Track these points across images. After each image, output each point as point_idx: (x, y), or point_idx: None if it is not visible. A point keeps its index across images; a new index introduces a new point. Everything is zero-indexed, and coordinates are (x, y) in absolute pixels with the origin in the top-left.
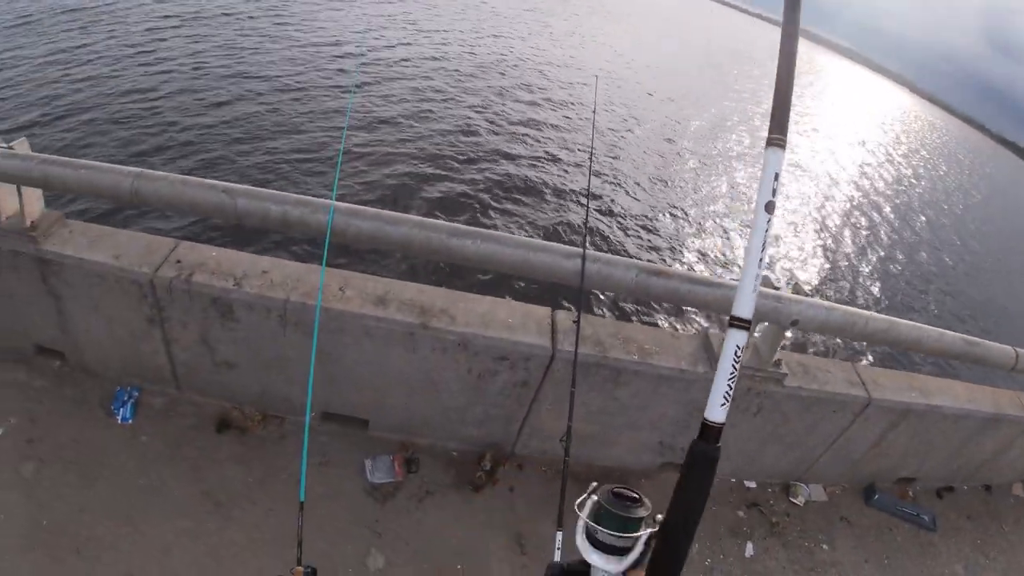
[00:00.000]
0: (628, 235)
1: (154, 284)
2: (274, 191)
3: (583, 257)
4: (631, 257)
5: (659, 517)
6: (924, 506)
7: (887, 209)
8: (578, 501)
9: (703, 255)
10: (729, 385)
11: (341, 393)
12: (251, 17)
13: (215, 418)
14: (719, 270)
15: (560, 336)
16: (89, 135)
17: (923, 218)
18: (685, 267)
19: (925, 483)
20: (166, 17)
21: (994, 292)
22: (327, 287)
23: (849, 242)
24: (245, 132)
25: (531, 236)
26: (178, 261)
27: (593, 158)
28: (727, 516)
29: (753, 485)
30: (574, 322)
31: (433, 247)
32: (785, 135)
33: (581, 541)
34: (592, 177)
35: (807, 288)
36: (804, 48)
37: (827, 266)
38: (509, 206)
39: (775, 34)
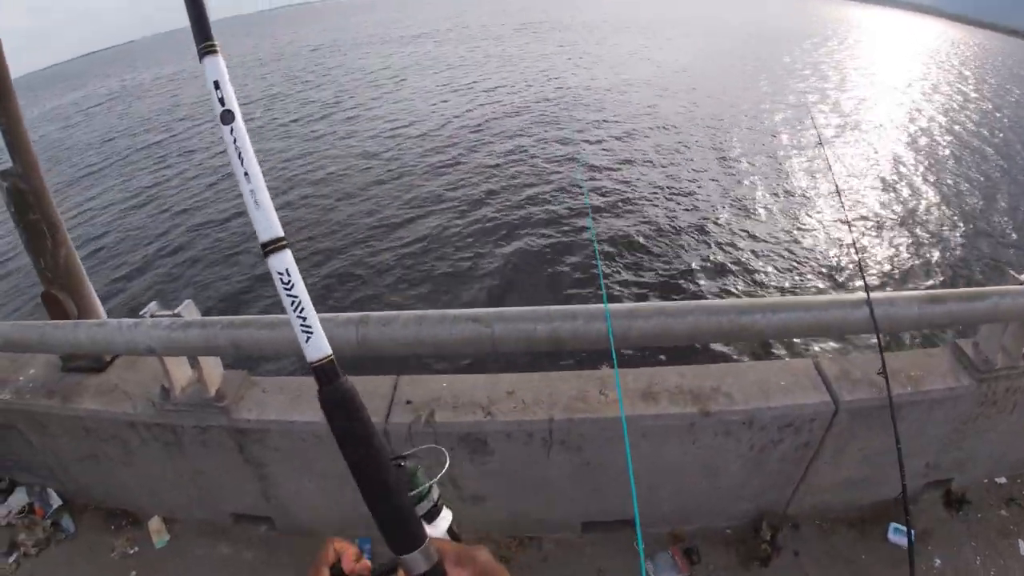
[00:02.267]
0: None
1: (388, 432)
2: (529, 308)
3: (868, 303)
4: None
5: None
6: None
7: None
8: None
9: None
10: (301, 317)
11: (606, 500)
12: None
13: None
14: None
15: (835, 386)
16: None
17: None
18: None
19: None
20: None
21: None
22: (586, 394)
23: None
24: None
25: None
26: (408, 401)
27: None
28: (991, 519)
29: (1003, 480)
30: (879, 373)
31: (724, 331)
32: (212, 40)
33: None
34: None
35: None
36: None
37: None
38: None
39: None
